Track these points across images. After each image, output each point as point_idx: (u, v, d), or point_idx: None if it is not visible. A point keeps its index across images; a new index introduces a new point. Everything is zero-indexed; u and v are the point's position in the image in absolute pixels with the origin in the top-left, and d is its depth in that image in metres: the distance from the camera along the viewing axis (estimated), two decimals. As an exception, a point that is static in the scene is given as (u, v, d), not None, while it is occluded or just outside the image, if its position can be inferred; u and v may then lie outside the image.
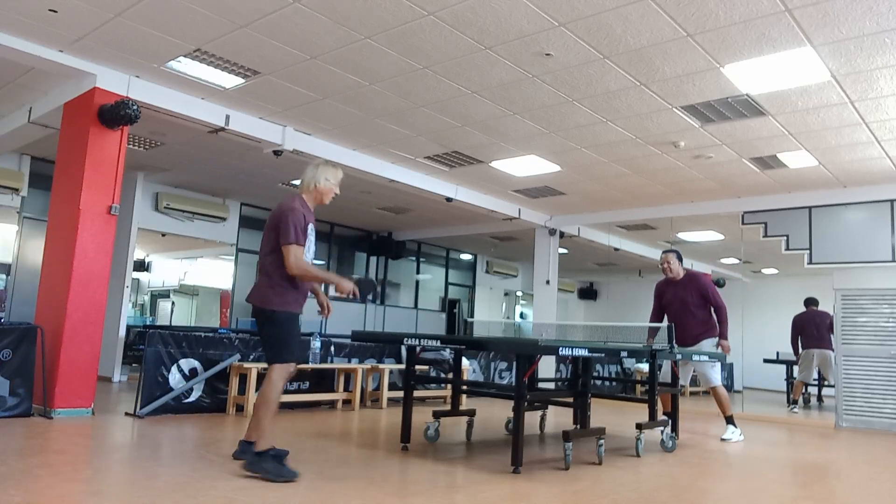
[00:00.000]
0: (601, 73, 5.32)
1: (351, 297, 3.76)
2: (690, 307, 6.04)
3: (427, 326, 14.12)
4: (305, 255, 3.70)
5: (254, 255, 11.38)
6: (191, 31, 5.00)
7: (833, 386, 9.57)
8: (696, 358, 5.70)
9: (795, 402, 9.54)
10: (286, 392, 6.53)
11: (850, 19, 4.31)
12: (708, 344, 6.04)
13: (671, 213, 9.64)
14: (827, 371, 9.47)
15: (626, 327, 8.49)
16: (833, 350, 9.42)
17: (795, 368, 9.96)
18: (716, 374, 5.94)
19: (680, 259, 6.23)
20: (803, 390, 9.88)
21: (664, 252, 6.29)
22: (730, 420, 6.08)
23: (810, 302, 9.77)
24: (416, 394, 5.83)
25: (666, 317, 6.25)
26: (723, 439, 5.98)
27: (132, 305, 12.65)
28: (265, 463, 3.48)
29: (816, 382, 10.90)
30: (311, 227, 3.77)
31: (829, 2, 4.12)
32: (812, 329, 9.53)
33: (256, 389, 5.82)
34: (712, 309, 6.11)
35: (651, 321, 6.35)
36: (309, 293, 3.91)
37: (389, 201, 10.43)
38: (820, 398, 11.05)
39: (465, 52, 5.09)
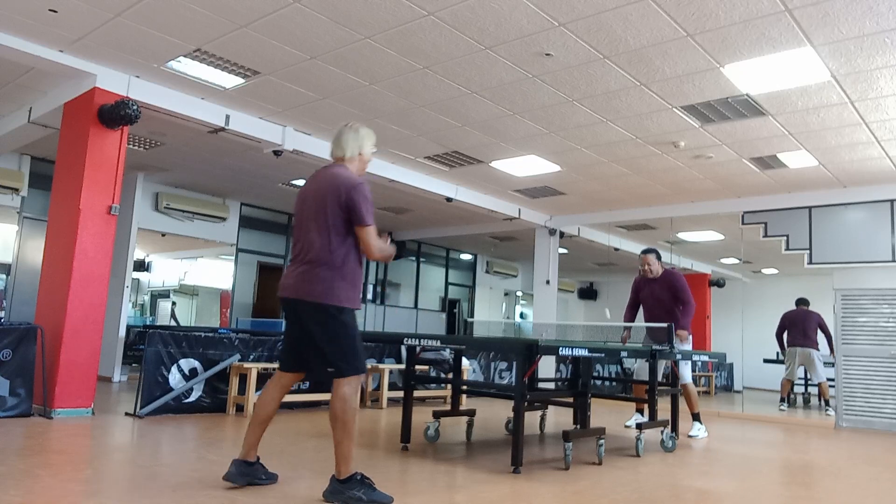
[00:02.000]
0: (601, 73, 5.33)
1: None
2: (665, 304, 6.19)
3: (427, 326, 14.13)
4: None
5: (254, 254, 11.39)
6: (191, 31, 5.00)
7: (817, 385, 9.59)
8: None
9: (784, 400, 9.55)
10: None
11: (850, 19, 4.31)
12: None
13: (671, 213, 9.65)
14: (811, 369, 9.49)
15: (626, 327, 8.50)
16: (818, 349, 9.43)
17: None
18: (687, 372, 6.06)
19: (659, 258, 6.34)
20: (791, 389, 9.87)
21: (643, 252, 6.38)
22: (696, 417, 6.21)
23: (801, 302, 9.80)
24: (416, 394, 5.84)
25: (641, 311, 6.44)
26: (689, 436, 6.05)
27: (132, 305, 12.64)
28: (353, 489, 3.03)
29: (802, 381, 10.86)
30: None
31: (829, 2, 4.12)
32: (797, 327, 9.54)
33: (257, 390, 5.84)
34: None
35: (626, 314, 6.53)
36: None
37: (389, 201, 10.43)
38: (807, 398, 10.98)
39: (465, 52, 5.09)
